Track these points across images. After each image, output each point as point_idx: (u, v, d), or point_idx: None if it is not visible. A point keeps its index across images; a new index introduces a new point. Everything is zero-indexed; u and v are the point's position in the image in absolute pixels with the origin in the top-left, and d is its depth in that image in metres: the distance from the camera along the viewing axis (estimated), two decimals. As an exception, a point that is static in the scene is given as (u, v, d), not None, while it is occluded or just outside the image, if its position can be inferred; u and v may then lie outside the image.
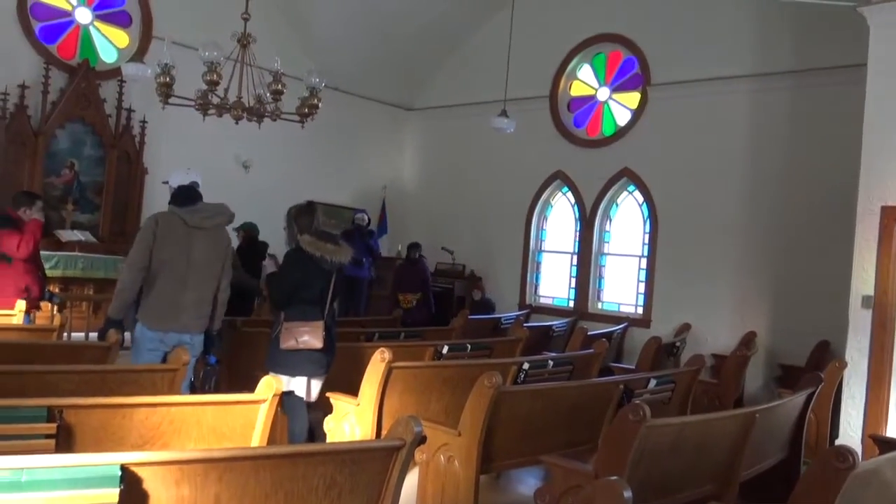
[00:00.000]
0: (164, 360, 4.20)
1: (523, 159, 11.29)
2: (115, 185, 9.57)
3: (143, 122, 9.68)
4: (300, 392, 4.45)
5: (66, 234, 8.99)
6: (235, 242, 6.11)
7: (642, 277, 10.23)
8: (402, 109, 13.15)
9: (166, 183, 4.92)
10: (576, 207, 11.02)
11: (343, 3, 10.82)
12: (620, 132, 10.54)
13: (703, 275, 9.36)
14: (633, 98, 10.55)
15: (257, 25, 7.17)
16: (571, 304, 10.90)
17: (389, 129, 13.03)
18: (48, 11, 9.37)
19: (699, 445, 3.58)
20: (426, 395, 4.74)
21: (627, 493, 2.18)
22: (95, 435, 2.69)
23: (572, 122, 11.21)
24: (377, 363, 4.35)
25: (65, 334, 5.56)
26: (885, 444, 4.32)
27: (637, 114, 10.37)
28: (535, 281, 11.49)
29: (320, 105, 7.08)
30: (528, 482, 5.05)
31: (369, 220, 11.11)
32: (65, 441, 2.59)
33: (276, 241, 5.95)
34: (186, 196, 4.59)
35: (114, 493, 1.89)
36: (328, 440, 4.48)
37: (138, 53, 9.69)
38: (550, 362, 5.41)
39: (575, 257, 10.98)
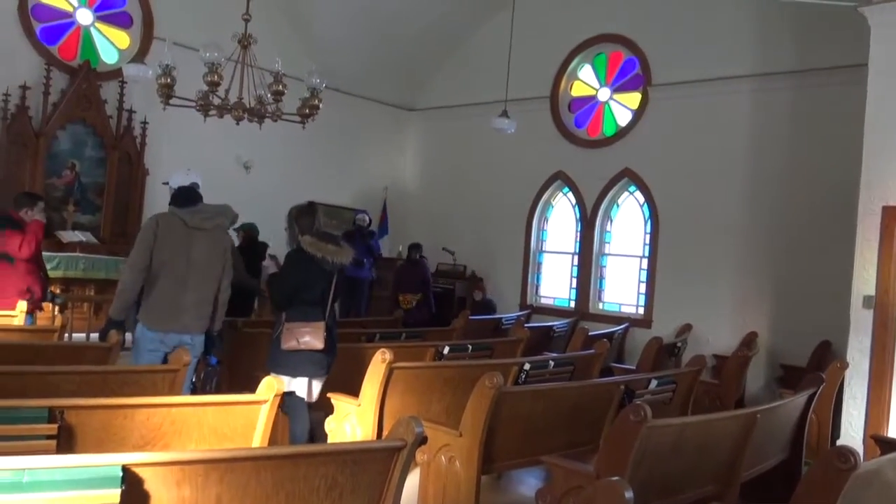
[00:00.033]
0: (164, 361, 4.21)
1: (524, 160, 11.29)
2: (116, 186, 9.58)
3: (144, 123, 9.68)
4: (301, 392, 4.46)
5: (68, 235, 9.00)
6: (235, 242, 6.11)
7: (643, 278, 10.22)
8: (403, 110, 13.15)
9: (167, 184, 4.93)
10: (577, 208, 11.02)
11: (344, 3, 10.82)
12: (621, 132, 10.54)
13: (704, 275, 9.35)
14: (633, 98, 10.55)
15: (258, 26, 7.17)
16: (572, 304, 10.89)
17: (390, 129, 13.02)
18: (49, 12, 9.38)
19: (700, 446, 3.58)
20: (427, 395, 4.74)
21: (629, 494, 2.18)
22: (96, 435, 2.69)
23: (573, 122, 11.21)
24: (378, 364, 4.35)
25: (66, 335, 5.57)
26: (887, 445, 4.32)
27: (638, 114, 10.37)
28: (535, 281, 11.48)
29: (321, 106, 7.07)
30: (529, 483, 5.05)
31: (370, 220, 11.11)
32: (66, 442, 2.60)
33: (277, 241, 5.94)
34: (187, 197, 4.60)
35: (115, 493, 1.89)
36: (329, 441, 4.48)
37: (139, 54, 9.68)
38: (551, 363, 5.41)
39: (576, 258, 10.98)
